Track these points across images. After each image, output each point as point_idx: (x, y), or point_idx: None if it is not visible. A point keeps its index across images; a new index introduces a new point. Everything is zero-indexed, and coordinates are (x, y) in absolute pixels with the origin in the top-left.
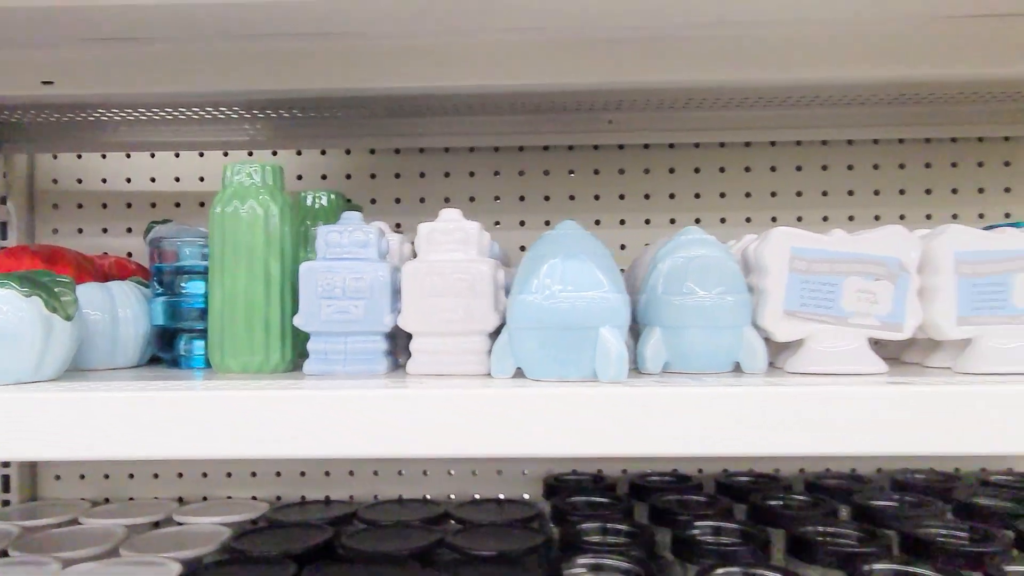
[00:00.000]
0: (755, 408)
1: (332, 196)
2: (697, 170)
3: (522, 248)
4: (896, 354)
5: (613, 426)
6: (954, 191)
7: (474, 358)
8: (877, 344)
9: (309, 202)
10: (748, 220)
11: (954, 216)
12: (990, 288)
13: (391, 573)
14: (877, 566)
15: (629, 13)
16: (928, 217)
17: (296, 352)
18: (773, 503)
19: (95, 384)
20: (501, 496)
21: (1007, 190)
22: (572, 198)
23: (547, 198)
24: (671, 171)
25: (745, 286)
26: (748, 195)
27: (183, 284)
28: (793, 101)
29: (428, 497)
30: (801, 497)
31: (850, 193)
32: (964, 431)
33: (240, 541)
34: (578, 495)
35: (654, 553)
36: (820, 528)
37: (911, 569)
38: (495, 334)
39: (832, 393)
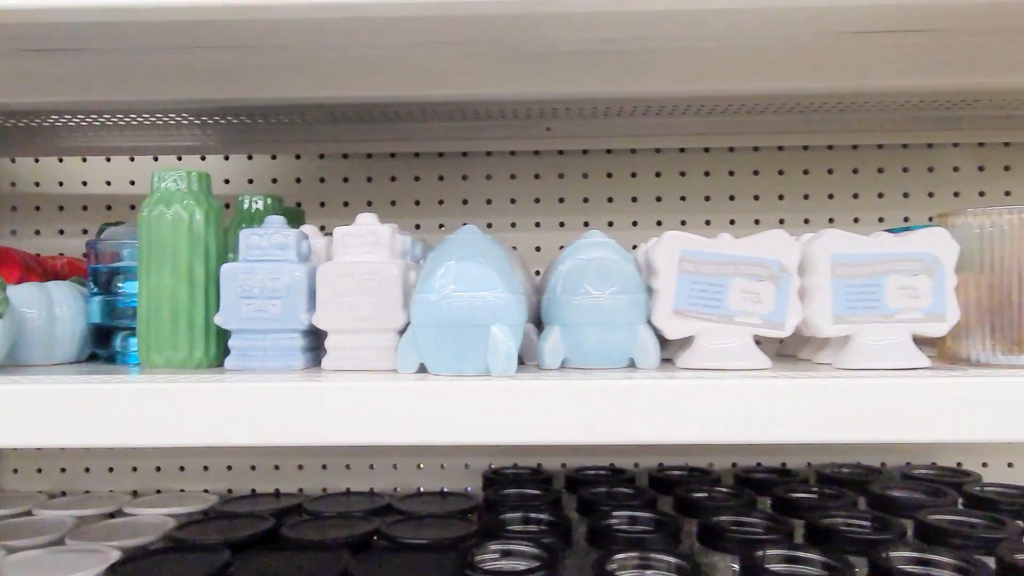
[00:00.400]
0: (634, 399)
1: (269, 200)
2: (634, 175)
3: None
4: (794, 351)
5: (499, 417)
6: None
7: (384, 354)
8: (782, 343)
9: (246, 206)
10: (683, 223)
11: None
12: (865, 289)
13: (321, 560)
14: (772, 551)
15: (561, 29)
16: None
17: (221, 349)
18: (697, 495)
19: (16, 377)
20: (444, 489)
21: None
22: (513, 201)
23: (489, 201)
24: (609, 175)
25: (641, 287)
26: (683, 199)
27: (119, 284)
28: (708, 110)
29: (374, 490)
30: (725, 489)
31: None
32: (835, 420)
33: (182, 531)
34: (514, 487)
35: (569, 540)
36: (732, 517)
37: (802, 554)
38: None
39: (710, 386)
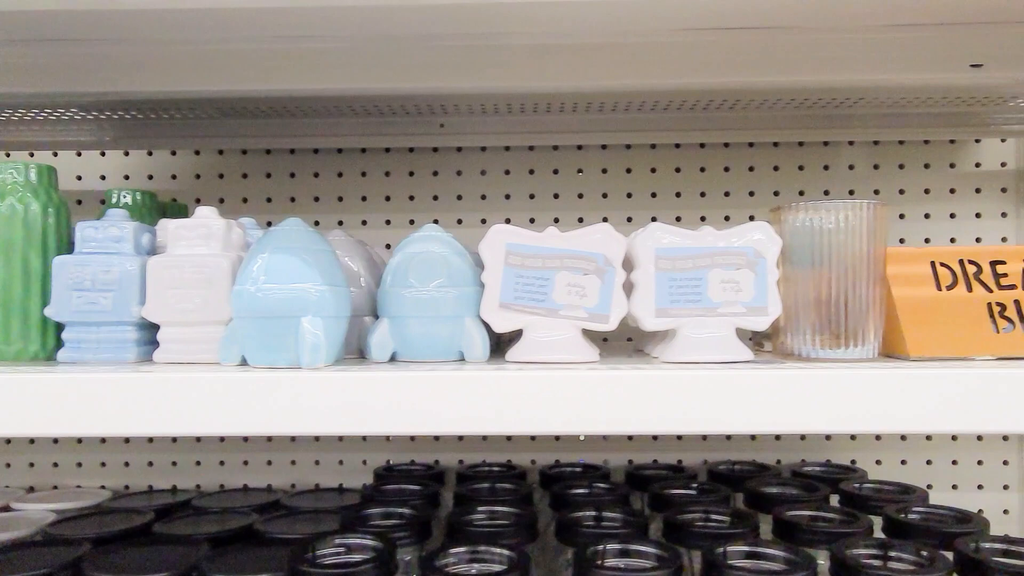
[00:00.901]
0: (412, 391)
1: (138, 195)
2: (532, 171)
3: None
4: (642, 346)
5: (300, 408)
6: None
7: (213, 347)
8: (630, 340)
9: (115, 200)
10: (580, 220)
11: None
12: (688, 283)
13: (178, 554)
14: (612, 545)
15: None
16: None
17: (58, 343)
18: (578, 491)
19: None
20: (343, 485)
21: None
22: (412, 198)
23: (388, 198)
24: (506, 172)
25: (473, 280)
26: (580, 196)
27: None
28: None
29: (271, 485)
30: (604, 485)
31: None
32: (647, 412)
33: (56, 527)
34: (399, 483)
35: (426, 533)
36: (586, 512)
37: (640, 547)
38: None
39: (521, 378)
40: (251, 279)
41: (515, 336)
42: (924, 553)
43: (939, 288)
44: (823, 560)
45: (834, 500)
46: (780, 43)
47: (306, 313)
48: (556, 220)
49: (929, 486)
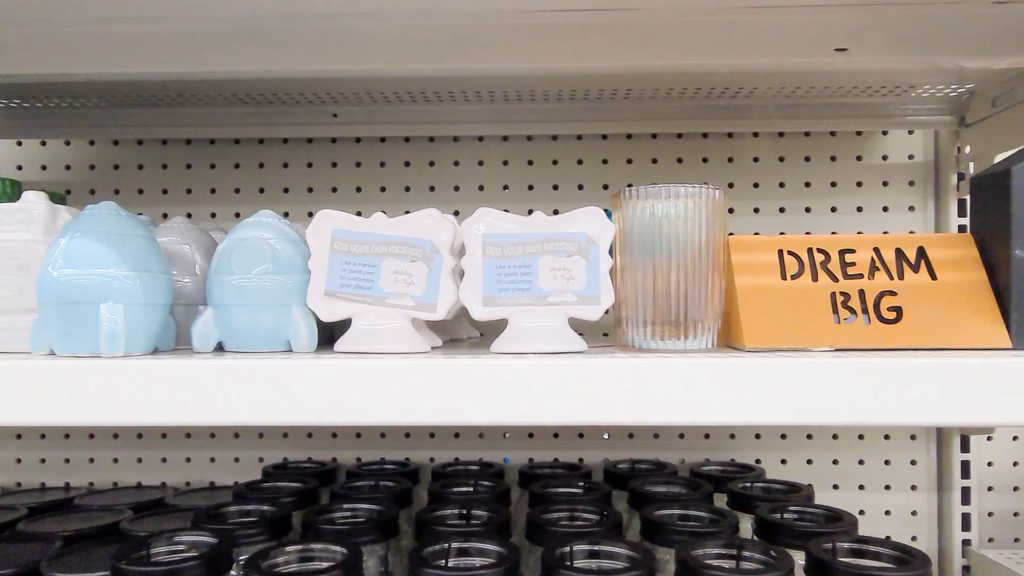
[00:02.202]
0: (217, 381)
1: (6, 183)
2: (407, 164)
3: None
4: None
5: (91, 399)
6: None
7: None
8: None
9: None
10: (456, 213)
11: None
12: (517, 270)
13: (28, 551)
14: (456, 544)
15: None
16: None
17: None
18: (452, 489)
19: None
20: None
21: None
22: (311, 190)
23: (286, 190)
24: (406, 164)
25: (302, 268)
26: (481, 188)
27: None
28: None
29: (166, 483)
30: (488, 483)
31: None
32: (460, 403)
33: None
34: (286, 481)
35: (278, 532)
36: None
37: (477, 544)
38: None
39: (336, 366)
40: (51, 263)
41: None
42: (772, 553)
43: (784, 277)
44: (668, 558)
45: (723, 500)
46: (628, 26)
47: (107, 299)
48: (456, 213)
49: (835, 486)
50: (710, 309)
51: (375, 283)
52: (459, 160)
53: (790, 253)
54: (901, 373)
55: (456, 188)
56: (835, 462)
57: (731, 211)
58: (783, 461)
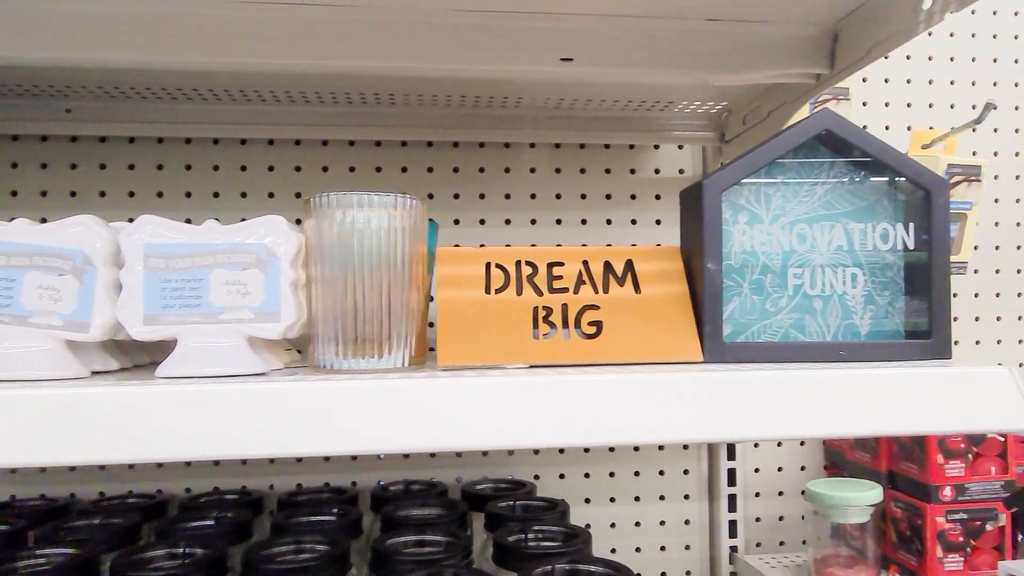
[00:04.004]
0: None
1: None
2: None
3: None
4: None
5: None
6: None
7: None
8: None
9: None
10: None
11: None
12: (185, 285)
13: None
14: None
15: None
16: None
17: None
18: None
19: None
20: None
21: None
22: (43, 194)
23: (44, 193)
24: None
25: None
26: (244, 195)
27: None
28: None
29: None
30: (233, 513)
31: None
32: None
33: None
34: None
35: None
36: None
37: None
38: None
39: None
40: None
41: None
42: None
43: (488, 291)
44: None
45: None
46: (341, 24)
47: None
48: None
49: (612, 499)
50: (402, 326)
51: (15, 299)
52: (219, 164)
53: (498, 266)
54: (550, 391)
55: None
56: (611, 475)
57: (508, 222)
58: (561, 476)
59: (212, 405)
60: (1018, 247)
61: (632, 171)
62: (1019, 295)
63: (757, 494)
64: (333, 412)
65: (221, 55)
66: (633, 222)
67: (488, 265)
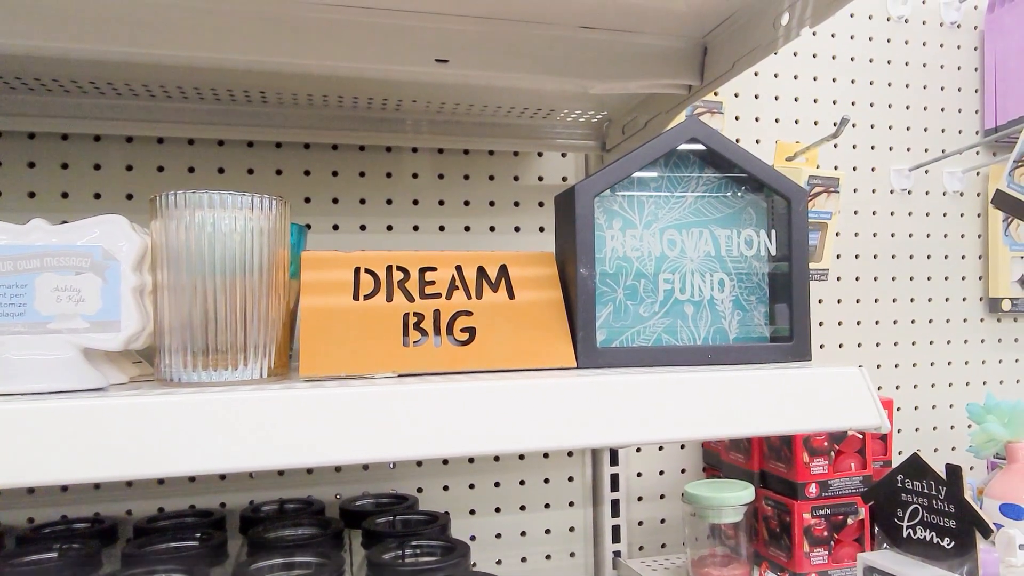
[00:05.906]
0: None
1: None
2: (65, 165)
3: None
4: None
5: None
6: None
7: None
8: None
9: None
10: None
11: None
12: (7, 291)
13: None
14: None
15: None
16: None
17: None
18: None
19: None
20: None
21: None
22: None
23: None
24: (31, 165)
25: None
26: (130, 197)
27: None
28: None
29: None
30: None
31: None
32: None
33: None
34: None
35: None
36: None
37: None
38: None
39: None
40: None
41: None
42: None
43: (357, 297)
44: None
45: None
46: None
47: None
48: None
49: (497, 508)
50: (260, 335)
51: None
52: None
53: (367, 271)
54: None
55: (97, 196)
56: (497, 484)
57: (390, 228)
58: (445, 488)
59: (29, 425)
60: (874, 256)
61: (516, 178)
62: (876, 301)
63: (640, 498)
64: (173, 429)
65: (70, 40)
66: (517, 229)
67: (357, 270)
